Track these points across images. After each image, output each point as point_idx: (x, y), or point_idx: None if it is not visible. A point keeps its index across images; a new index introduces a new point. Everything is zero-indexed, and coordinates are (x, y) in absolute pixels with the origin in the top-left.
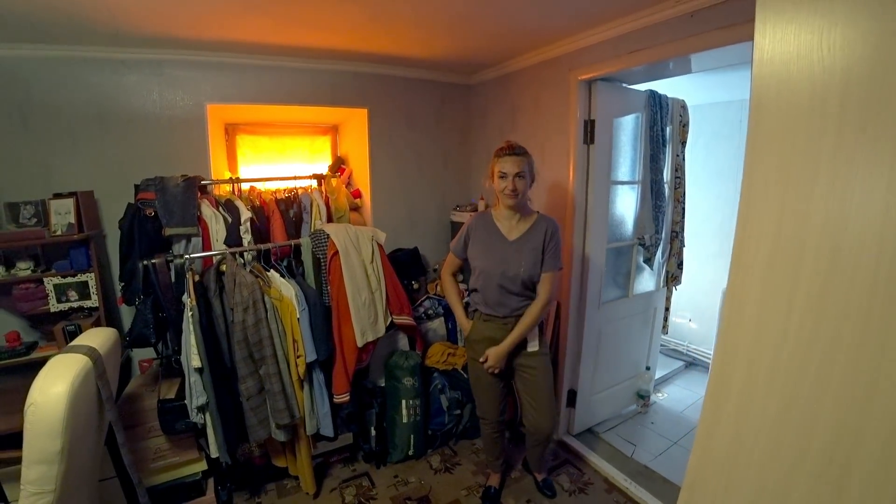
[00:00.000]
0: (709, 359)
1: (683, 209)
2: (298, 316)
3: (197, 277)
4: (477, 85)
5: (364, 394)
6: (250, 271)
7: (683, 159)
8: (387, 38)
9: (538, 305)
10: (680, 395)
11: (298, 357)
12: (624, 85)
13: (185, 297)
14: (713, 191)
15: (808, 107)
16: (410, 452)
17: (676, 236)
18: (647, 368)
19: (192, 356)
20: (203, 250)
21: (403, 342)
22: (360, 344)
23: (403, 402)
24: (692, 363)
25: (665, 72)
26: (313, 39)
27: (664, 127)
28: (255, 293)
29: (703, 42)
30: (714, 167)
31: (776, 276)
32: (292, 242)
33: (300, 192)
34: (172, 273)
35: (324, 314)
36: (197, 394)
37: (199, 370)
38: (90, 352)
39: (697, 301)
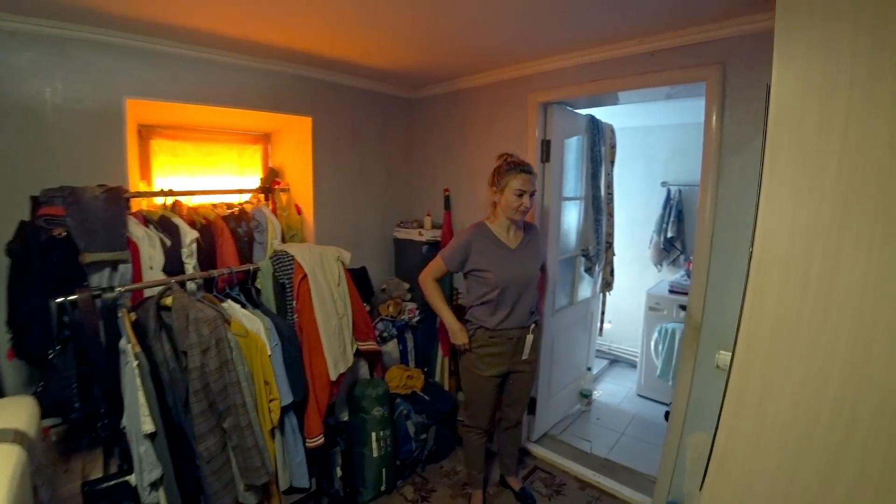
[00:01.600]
0: (629, 355)
1: (613, 222)
2: (270, 353)
3: (133, 316)
4: (421, 100)
5: (326, 432)
6: (200, 300)
7: (612, 177)
8: (350, 41)
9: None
10: (613, 390)
11: (272, 401)
12: (569, 108)
13: (122, 343)
14: (624, 206)
15: (817, 135)
16: (382, 488)
17: (610, 246)
18: (588, 369)
19: (144, 418)
20: (133, 280)
21: (364, 370)
22: (333, 377)
23: (373, 434)
24: (615, 360)
25: (603, 100)
26: (270, 35)
27: (601, 148)
28: (217, 330)
29: (660, 79)
30: (625, 186)
31: (791, 273)
32: (251, 267)
33: (248, 207)
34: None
35: (299, 348)
36: (149, 466)
37: (152, 436)
38: (19, 437)
39: (615, 304)
